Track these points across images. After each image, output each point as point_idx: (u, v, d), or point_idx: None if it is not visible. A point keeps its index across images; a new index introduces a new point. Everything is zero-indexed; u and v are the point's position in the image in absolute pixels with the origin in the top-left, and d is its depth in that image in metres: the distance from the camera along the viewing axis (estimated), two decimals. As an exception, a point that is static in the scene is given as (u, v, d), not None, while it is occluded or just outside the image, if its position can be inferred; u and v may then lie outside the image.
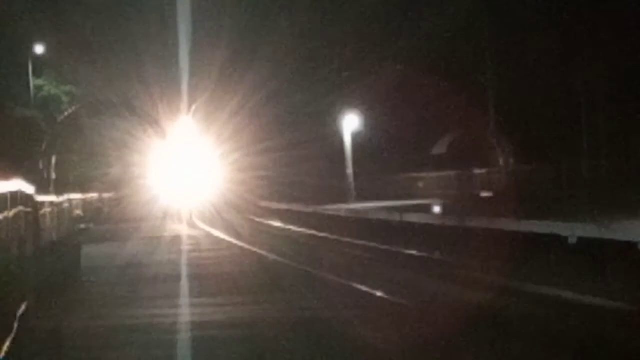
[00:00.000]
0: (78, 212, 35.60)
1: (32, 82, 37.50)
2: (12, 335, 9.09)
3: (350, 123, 38.64)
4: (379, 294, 13.18)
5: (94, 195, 39.81)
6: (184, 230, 31.80)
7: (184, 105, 42.96)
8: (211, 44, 40.75)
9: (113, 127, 43.32)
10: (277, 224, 31.72)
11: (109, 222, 36.13)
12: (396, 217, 24.05)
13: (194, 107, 42.07)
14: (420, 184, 35.83)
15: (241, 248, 22.84)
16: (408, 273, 16.13)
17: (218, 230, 29.77)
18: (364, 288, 13.77)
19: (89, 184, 40.05)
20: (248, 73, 39.73)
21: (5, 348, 8.42)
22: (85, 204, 35.01)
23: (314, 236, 25.72)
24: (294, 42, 39.43)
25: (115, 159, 44.03)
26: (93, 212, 36.43)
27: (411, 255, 18.44)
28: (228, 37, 40.81)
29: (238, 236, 26.06)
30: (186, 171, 44.71)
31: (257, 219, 34.56)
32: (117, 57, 41.62)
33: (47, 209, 18.96)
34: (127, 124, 42.40)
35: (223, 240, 26.09)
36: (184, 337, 10.66)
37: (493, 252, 16.04)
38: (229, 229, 29.51)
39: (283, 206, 36.55)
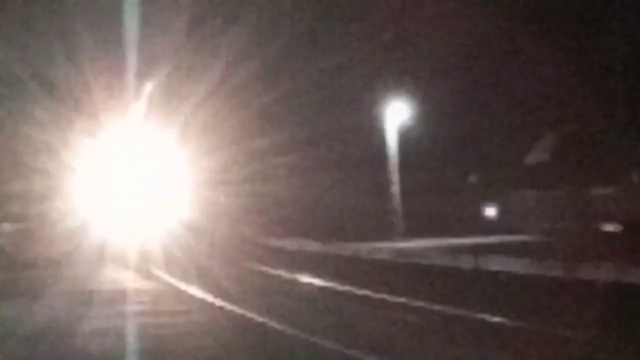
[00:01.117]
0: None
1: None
2: None
3: (397, 114, 38.89)
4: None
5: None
6: (130, 281, 31.99)
7: (131, 86, 42.28)
8: None
9: (19, 117, 43.53)
10: (283, 272, 31.53)
11: (11, 267, 36.35)
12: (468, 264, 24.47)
13: (148, 88, 41.25)
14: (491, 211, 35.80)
15: (227, 312, 22.83)
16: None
17: (187, 282, 29.67)
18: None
19: None
20: (230, 34, 39.59)
21: None
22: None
23: (345, 295, 25.72)
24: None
25: (20, 170, 43.92)
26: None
27: (500, 324, 18.44)
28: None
29: (220, 293, 26.02)
30: (134, 187, 43.73)
31: (249, 265, 34.64)
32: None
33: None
34: (43, 113, 42.49)
35: (194, 297, 26.11)
36: None
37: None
38: (207, 280, 29.36)
39: (290, 244, 36.69)
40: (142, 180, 44.08)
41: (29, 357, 17.13)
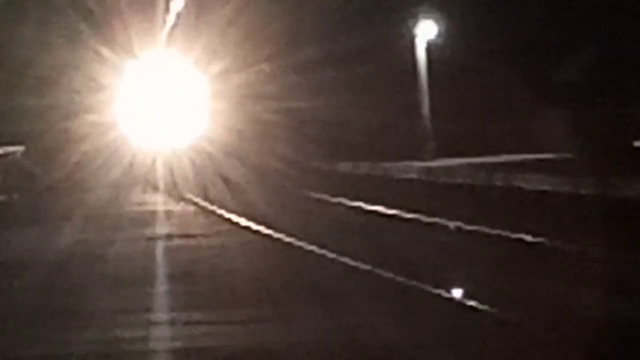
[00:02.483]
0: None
1: None
2: None
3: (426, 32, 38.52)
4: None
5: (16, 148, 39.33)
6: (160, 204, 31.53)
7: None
8: None
9: (49, 30, 42.20)
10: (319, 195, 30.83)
11: (38, 190, 35.78)
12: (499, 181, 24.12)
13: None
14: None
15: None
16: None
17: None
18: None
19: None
20: None
21: None
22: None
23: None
24: None
25: (48, 84, 42.44)
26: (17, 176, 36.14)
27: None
28: None
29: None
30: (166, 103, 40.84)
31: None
32: None
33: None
34: (72, 28, 41.19)
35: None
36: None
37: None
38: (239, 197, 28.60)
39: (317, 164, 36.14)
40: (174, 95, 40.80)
41: (58, 285, 16.67)
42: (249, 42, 36.45)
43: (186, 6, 36.63)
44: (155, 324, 13.36)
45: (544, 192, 24.11)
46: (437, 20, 39.27)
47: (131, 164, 36.49)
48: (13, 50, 40.36)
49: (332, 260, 17.68)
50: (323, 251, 18.59)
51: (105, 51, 37.32)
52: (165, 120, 37.56)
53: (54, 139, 40.46)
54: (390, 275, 15.55)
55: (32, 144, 40.92)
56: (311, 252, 18.91)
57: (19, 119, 39.85)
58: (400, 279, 15.23)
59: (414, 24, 39.41)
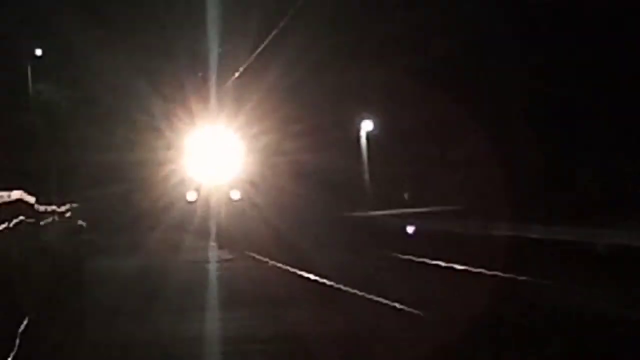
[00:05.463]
0: (80, 222, 35.11)
1: (31, 85, 36.98)
2: (13, 352, 8.91)
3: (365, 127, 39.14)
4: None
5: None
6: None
7: (213, 84, 35.75)
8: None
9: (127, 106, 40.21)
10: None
11: (114, 230, 34.20)
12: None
13: (227, 85, 35.09)
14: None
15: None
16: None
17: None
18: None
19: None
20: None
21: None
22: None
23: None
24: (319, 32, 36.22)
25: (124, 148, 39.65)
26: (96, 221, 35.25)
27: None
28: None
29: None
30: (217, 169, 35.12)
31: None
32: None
33: (49, 219, 18.66)
34: (146, 103, 38.72)
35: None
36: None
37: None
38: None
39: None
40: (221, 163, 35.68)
41: (136, 290, 16.47)
42: (268, 117, 35.48)
43: (229, 92, 35.51)
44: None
45: (445, 231, 23.99)
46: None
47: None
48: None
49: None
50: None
51: (177, 123, 36.40)
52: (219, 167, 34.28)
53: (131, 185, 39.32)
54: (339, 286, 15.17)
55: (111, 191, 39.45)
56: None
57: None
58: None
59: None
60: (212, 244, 27.28)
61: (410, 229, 25.16)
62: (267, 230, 27.21)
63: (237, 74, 33.72)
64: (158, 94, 37.16)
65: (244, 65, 33.16)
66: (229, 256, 23.54)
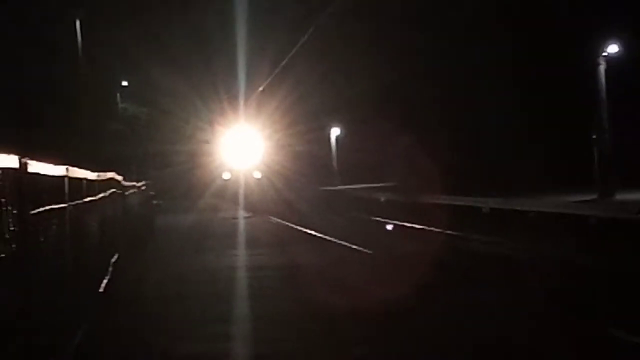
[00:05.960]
0: (152, 192, 34.83)
1: (120, 104, 37.26)
2: (108, 276, 8.97)
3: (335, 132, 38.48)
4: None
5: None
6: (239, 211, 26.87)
7: (242, 92, 33.00)
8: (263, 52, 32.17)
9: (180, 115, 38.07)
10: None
11: (172, 197, 33.70)
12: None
13: (260, 89, 32.05)
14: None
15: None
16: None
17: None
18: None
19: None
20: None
21: (102, 286, 8.29)
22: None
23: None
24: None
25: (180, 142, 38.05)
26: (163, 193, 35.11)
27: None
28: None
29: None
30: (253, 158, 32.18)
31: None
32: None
33: (131, 191, 18.76)
34: (192, 107, 36.92)
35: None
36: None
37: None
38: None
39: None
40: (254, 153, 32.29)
41: (189, 236, 16.47)
42: (278, 121, 33.90)
43: (252, 104, 34.79)
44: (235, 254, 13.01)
45: (387, 200, 23.52)
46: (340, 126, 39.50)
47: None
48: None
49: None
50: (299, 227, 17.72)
51: (217, 126, 34.58)
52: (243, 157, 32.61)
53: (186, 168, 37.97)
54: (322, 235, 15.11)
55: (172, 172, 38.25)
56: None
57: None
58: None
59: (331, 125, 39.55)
60: (240, 207, 27.23)
61: (382, 199, 23.91)
62: (277, 198, 27.13)
63: (259, 91, 33.26)
64: (204, 106, 37.04)
65: (262, 86, 32.86)
66: (251, 215, 23.73)
